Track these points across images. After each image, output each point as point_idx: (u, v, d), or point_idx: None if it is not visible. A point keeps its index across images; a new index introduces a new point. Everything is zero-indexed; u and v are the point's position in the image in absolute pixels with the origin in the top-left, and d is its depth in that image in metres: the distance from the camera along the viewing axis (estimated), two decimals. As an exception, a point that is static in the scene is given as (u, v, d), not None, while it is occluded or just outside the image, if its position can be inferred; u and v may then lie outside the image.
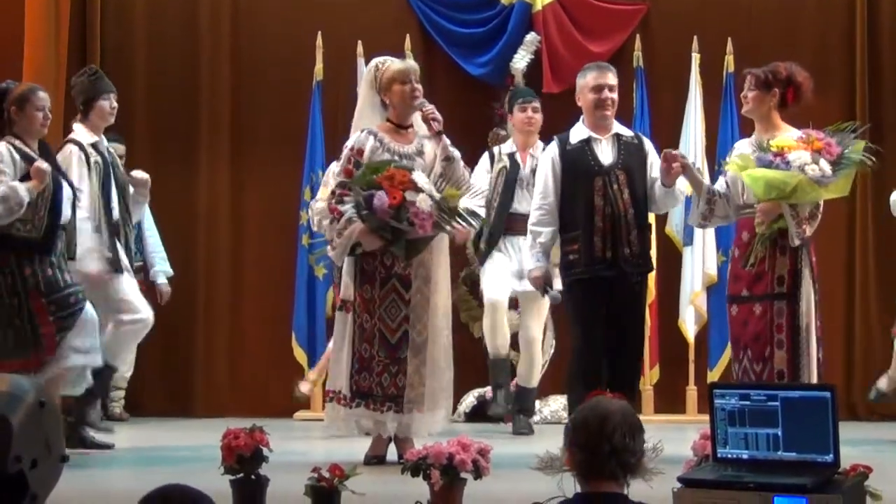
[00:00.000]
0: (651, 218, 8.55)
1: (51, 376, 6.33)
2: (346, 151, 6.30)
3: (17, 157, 6.35)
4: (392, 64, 6.41)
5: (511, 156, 7.94)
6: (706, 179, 6.98)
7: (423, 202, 5.99)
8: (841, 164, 6.18)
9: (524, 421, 7.82)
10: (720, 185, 6.52)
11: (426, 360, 6.26)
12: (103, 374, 6.95)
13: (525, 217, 7.48)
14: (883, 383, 7.79)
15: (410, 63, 6.52)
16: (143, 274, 8.59)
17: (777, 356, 6.19)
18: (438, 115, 6.33)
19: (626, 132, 6.72)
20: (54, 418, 3.39)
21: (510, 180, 7.76)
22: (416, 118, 6.44)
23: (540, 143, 7.84)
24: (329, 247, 6.36)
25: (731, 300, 6.38)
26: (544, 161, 6.75)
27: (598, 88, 6.62)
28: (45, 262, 6.35)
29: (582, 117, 6.71)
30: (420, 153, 6.33)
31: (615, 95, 6.67)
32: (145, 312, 7.06)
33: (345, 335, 6.27)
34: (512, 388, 7.97)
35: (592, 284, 6.50)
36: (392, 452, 6.31)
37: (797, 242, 6.19)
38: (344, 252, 6.21)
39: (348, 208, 6.15)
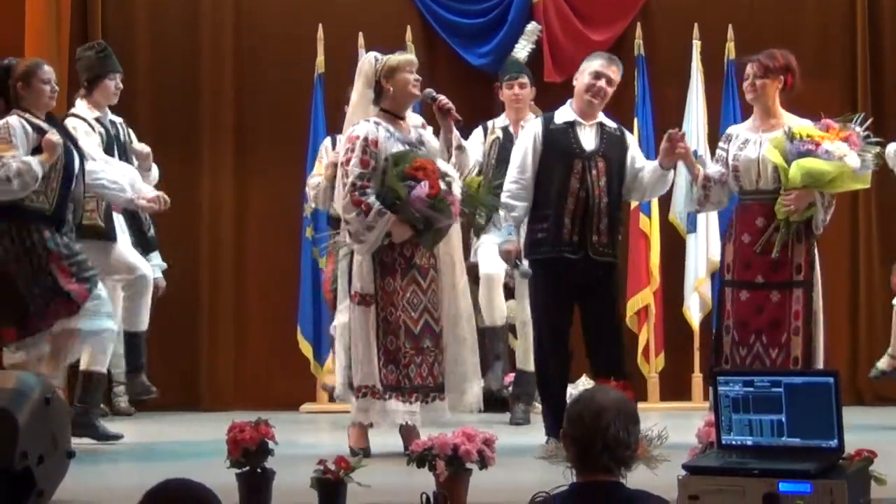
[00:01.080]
0: (654, 201, 8.65)
1: (62, 333, 6.34)
2: (358, 142, 6.21)
3: (29, 129, 6.35)
4: (394, 55, 6.43)
5: (504, 129, 7.99)
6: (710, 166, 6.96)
7: (457, 189, 6.06)
8: (863, 155, 6.25)
9: (522, 410, 7.82)
10: (714, 171, 6.54)
11: (448, 347, 6.31)
12: (131, 342, 7.07)
13: None
14: (883, 363, 7.81)
15: (410, 54, 6.51)
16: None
17: (793, 342, 6.26)
18: (452, 105, 6.40)
19: (610, 123, 6.72)
20: (60, 414, 3.40)
21: (503, 153, 7.74)
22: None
23: (532, 116, 7.88)
24: (350, 239, 6.24)
25: (739, 285, 6.38)
26: (525, 136, 6.75)
27: (597, 76, 6.63)
28: (60, 231, 6.37)
29: (570, 100, 6.72)
30: (421, 143, 6.34)
31: (610, 89, 6.65)
32: (143, 269, 7.07)
33: (368, 329, 6.23)
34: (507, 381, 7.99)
35: (556, 264, 6.49)
36: (391, 445, 6.32)
37: (821, 230, 6.31)
38: (376, 243, 6.18)
39: (374, 200, 6.14)
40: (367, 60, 6.46)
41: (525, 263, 6.66)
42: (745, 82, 6.52)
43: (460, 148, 6.39)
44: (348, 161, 6.20)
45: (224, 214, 9.32)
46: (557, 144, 6.58)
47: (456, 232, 6.45)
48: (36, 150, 6.31)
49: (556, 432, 6.27)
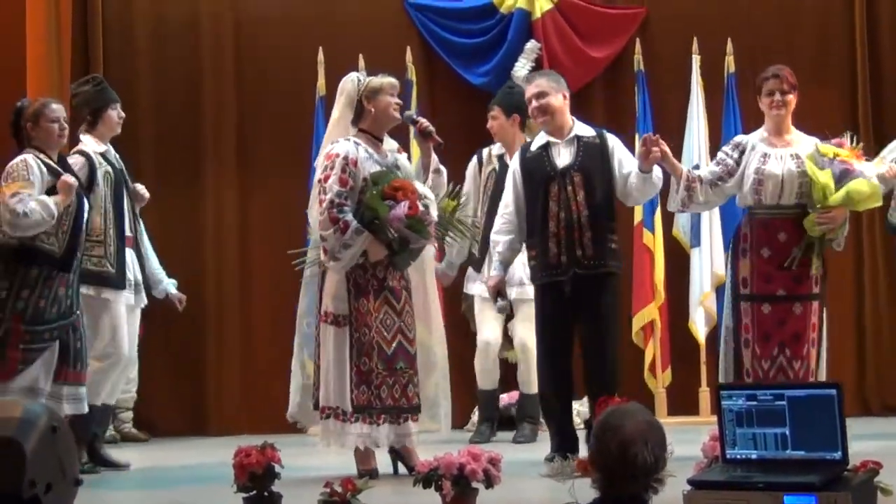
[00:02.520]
0: (657, 216, 8.67)
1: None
2: (338, 160, 6.16)
3: (44, 170, 6.40)
4: (377, 77, 6.43)
5: (500, 157, 8.02)
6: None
7: (434, 211, 6.07)
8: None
9: (526, 428, 7.84)
10: (707, 172, 6.57)
11: (420, 369, 6.30)
12: (86, 418, 6.75)
13: None
14: None
15: (392, 77, 6.48)
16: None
17: (811, 354, 6.36)
18: (433, 128, 6.42)
19: (588, 132, 6.68)
20: (67, 442, 3.42)
21: (500, 184, 7.79)
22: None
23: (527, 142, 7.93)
24: (325, 256, 6.20)
25: (761, 299, 6.40)
26: (509, 172, 6.84)
27: (529, 100, 6.73)
28: (46, 287, 6.34)
29: None
30: (396, 167, 6.35)
31: (545, 100, 6.61)
32: (126, 350, 7.00)
33: (341, 349, 6.20)
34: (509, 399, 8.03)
35: (551, 290, 6.51)
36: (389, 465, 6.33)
37: (843, 246, 6.48)
38: (351, 262, 6.17)
39: (352, 218, 6.14)
40: (350, 80, 6.44)
41: (505, 300, 6.75)
42: (766, 98, 6.51)
43: (437, 171, 6.40)
44: (326, 178, 6.17)
45: (228, 238, 9.34)
46: (534, 171, 6.62)
47: (429, 256, 6.47)
48: (50, 191, 6.35)
49: (563, 451, 6.32)
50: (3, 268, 6.37)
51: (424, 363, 6.38)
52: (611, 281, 6.59)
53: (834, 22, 9.32)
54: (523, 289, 7.56)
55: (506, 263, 6.71)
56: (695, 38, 9.01)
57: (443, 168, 6.43)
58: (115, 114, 7.18)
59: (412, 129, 6.76)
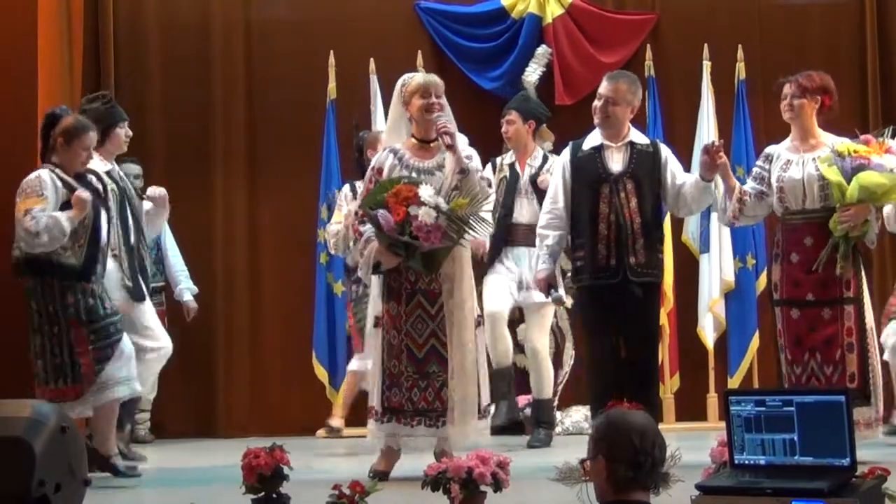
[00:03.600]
0: (667, 226, 8.68)
1: (97, 406, 6.42)
2: (371, 172, 6.34)
3: (59, 184, 6.41)
4: (415, 78, 6.43)
5: (511, 166, 7.99)
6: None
7: (426, 215, 6.00)
8: None
9: (541, 433, 7.82)
10: (750, 187, 6.57)
11: (455, 374, 6.23)
12: (129, 404, 7.02)
13: (525, 227, 7.56)
14: None
15: (431, 78, 6.44)
16: (165, 294, 8.65)
17: (848, 359, 6.30)
18: (451, 129, 6.28)
19: (642, 140, 6.71)
20: (77, 443, 3.43)
21: (510, 190, 7.79)
22: None
23: (539, 152, 7.94)
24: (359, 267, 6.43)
25: (790, 304, 6.40)
26: (557, 166, 6.83)
27: (599, 97, 6.68)
28: (87, 290, 6.40)
29: None
30: (441, 167, 6.29)
31: (612, 107, 6.60)
32: (165, 341, 7.12)
33: (379, 351, 6.30)
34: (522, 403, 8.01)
35: (598, 291, 6.51)
36: (397, 469, 6.31)
37: (875, 244, 6.42)
38: (368, 271, 6.26)
39: (367, 228, 6.18)
40: (399, 82, 6.45)
41: (561, 291, 6.73)
42: (782, 102, 6.54)
43: (462, 171, 6.27)
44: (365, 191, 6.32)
45: (238, 242, 9.36)
46: (584, 170, 6.60)
47: (461, 260, 6.34)
48: (65, 206, 6.37)
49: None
50: (32, 283, 6.41)
51: (459, 368, 6.27)
52: (656, 290, 6.69)
53: (844, 29, 9.32)
54: (529, 293, 7.56)
55: (554, 257, 6.72)
56: (705, 45, 9.02)
57: (471, 167, 6.23)
58: (123, 132, 7.18)
59: None
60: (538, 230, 6.77)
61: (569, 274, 7.02)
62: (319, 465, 6.90)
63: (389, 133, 6.51)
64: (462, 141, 6.35)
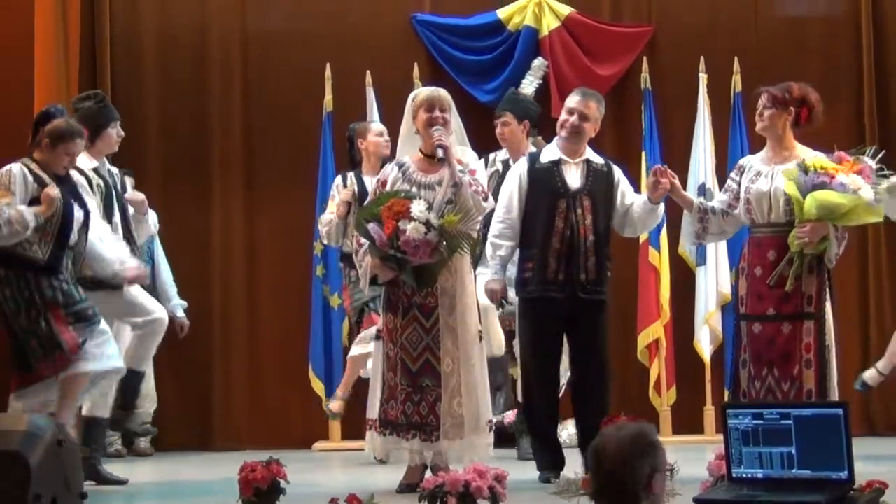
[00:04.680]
0: (663, 235, 8.69)
1: (69, 378, 6.38)
2: (374, 183, 6.39)
3: (30, 178, 6.40)
4: (422, 92, 6.45)
5: (505, 162, 8.02)
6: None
7: (414, 230, 5.99)
8: (876, 188, 6.24)
9: (526, 444, 7.82)
10: (717, 201, 6.54)
11: (459, 391, 6.21)
12: (132, 380, 6.97)
13: None
14: (869, 375, 7.72)
15: (436, 92, 6.44)
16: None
17: (805, 375, 6.21)
18: (446, 142, 6.27)
19: (597, 159, 6.72)
20: (73, 456, 3.42)
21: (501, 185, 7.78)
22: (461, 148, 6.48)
23: (533, 150, 7.93)
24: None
25: (753, 318, 6.33)
26: (511, 176, 6.79)
27: (569, 112, 6.68)
28: (60, 279, 6.40)
29: (556, 138, 6.76)
30: (432, 186, 6.29)
31: (586, 124, 6.63)
32: (159, 312, 7.04)
33: (378, 363, 6.32)
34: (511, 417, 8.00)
35: (544, 304, 6.51)
36: (391, 482, 6.28)
37: (833, 263, 6.26)
38: (366, 283, 6.29)
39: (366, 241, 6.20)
40: (410, 96, 6.48)
41: (512, 301, 6.72)
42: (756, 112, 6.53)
43: (456, 185, 6.27)
44: None
45: (235, 253, 9.35)
46: (542, 183, 6.60)
47: (461, 274, 6.32)
48: (35, 201, 6.36)
49: (551, 467, 6.34)
50: (3, 273, 6.39)
51: (462, 384, 6.26)
52: (605, 308, 6.66)
53: (841, 42, 9.32)
54: None
55: (504, 267, 6.71)
56: (702, 58, 9.02)
57: (464, 180, 6.22)
58: (115, 132, 7.15)
59: None
60: (490, 238, 6.73)
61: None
62: (316, 478, 6.89)
63: (401, 146, 6.53)
64: (471, 157, 6.38)
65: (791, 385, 6.21)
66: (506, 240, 6.66)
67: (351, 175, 8.05)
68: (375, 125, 8.22)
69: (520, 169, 6.76)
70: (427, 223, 6.01)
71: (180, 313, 8.60)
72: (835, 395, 6.29)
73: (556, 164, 6.63)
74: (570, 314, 6.52)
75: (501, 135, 8.09)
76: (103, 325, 6.52)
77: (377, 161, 7.95)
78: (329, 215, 7.98)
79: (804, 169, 6.20)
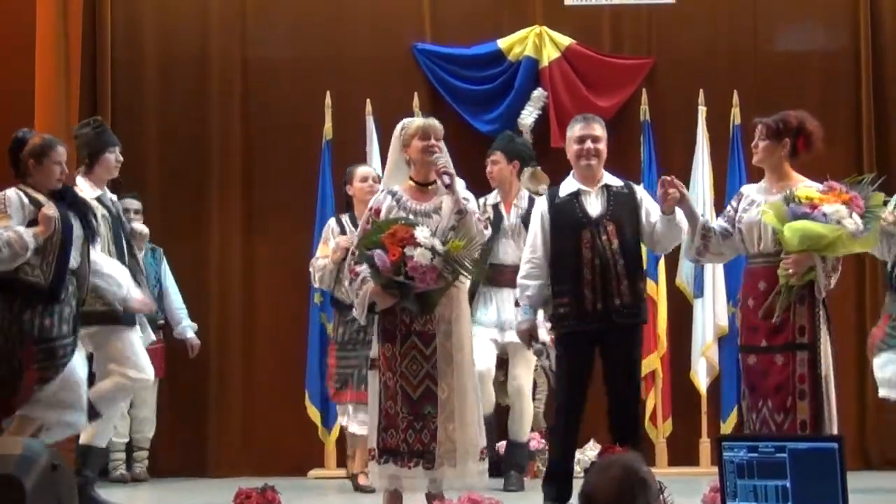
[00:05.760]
0: (661, 270, 8.70)
1: (17, 423, 6.29)
2: (368, 213, 6.35)
3: (26, 201, 6.39)
4: (415, 122, 6.45)
5: (495, 206, 8.03)
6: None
7: (421, 256, 6.01)
8: (867, 217, 6.20)
9: (515, 477, 7.83)
10: (717, 224, 6.54)
11: (453, 417, 6.19)
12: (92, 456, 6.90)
13: (509, 268, 7.58)
14: None
15: (431, 121, 6.45)
16: (163, 333, 8.65)
17: (799, 406, 6.14)
18: (451, 170, 6.30)
19: (616, 182, 6.71)
20: (67, 480, 3.43)
21: (494, 231, 7.76)
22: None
23: (525, 193, 8.00)
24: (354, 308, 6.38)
25: (748, 350, 6.30)
26: (535, 215, 6.78)
27: (581, 139, 6.66)
28: (48, 309, 6.35)
29: (572, 171, 6.75)
30: (437, 210, 6.29)
31: (600, 146, 6.65)
32: (150, 373, 6.97)
33: (375, 393, 6.28)
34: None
35: (583, 338, 6.50)
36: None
37: (824, 294, 6.20)
38: (363, 311, 6.24)
39: (363, 268, 6.19)
40: (399, 125, 6.46)
41: (541, 341, 6.71)
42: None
43: (461, 212, 6.29)
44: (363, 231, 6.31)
45: (232, 279, 9.36)
46: (564, 216, 6.59)
47: (458, 301, 6.33)
48: (33, 224, 6.35)
49: (555, 499, 6.32)
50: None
51: (457, 411, 6.24)
52: (640, 331, 6.66)
53: (840, 76, 9.36)
54: (513, 333, 7.55)
55: (535, 308, 6.69)
56: (701, 90, 9.05)
57: (469, 208, 6.25)
58: (113, 157, 7.14)
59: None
60: (519, 280, 6.74)
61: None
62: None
63: (388, 176, 6.51)
64: (460, 184, 6.36)
65: (785, 417, 6.15)
66: (533, 279, 6.64)
67: (345, 218, 8.05)
68: (361, 170, 8.15)
69: (541, 208, 6.75)
70: (432, 249, 6.04)
71: (190, 334, 8.67)
72: (834, 425, 6.20)
73: (575, 195, 6.62)
74: (604, 339, 6.49)
75: (490, 173, 8.13)
76: (73, 369, 6.42)
77: (364, 207, 7.96)
78: (323, 260, 7.97)
79: (789, 200, 6.18)
